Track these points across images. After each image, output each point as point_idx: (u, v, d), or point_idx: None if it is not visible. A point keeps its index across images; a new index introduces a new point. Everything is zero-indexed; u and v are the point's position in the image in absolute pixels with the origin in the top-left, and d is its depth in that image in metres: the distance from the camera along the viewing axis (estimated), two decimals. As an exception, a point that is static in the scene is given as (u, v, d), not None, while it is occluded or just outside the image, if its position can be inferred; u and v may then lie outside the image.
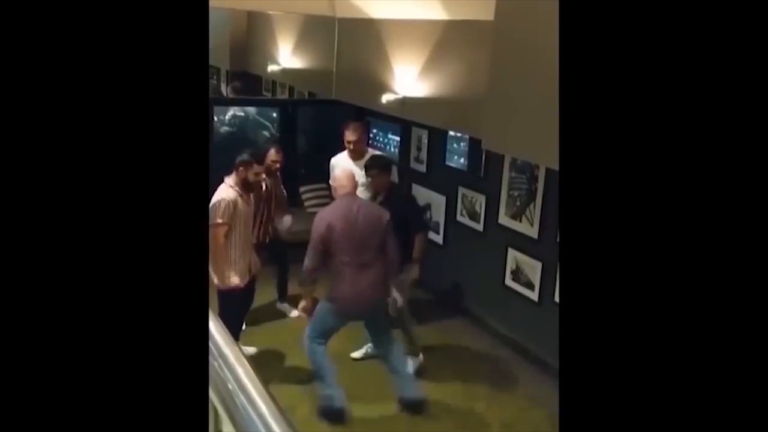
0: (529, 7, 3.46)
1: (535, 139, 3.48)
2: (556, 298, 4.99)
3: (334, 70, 6.65)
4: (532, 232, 5.21)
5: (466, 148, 5.89)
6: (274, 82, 8.94)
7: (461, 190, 5.99)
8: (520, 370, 5.16)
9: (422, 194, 6.42)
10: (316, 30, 7.09)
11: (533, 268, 5.25)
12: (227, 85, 9.40)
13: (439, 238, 6.34)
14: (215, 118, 7.28)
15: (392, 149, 6.89)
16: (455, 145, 6.04)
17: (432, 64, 5.21)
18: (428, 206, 6.41)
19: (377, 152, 5.52)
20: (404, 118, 5.99)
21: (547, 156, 3.32)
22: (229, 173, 4.54)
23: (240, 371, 1.23)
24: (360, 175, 5.20)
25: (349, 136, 5.27)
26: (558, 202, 3.40)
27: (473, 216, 5.90)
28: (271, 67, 8.09)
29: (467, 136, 5.74)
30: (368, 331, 4.58)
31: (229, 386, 1.21)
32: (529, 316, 5.30)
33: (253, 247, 4.83)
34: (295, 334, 5.14)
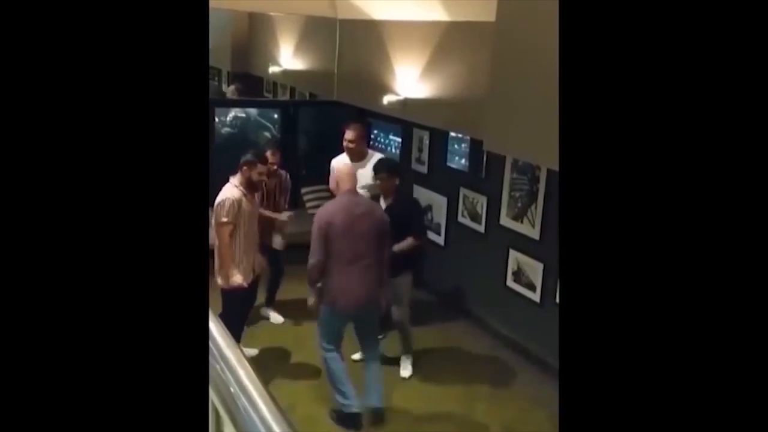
0: (530, 8, 3.46)
1: (537, 140, 3.48)
2: (558, 300, 4.98)
3: (336, 71, 6.66)
4: (534, 233, 5.21)
5: (468, 149, 5.89)
6: (275, 83, 8.95)
7: (462, 191, 5.99)
8: (522, 371, 5.16)
9: (423, 195, 6.42)
10: (318, 31, 7.09)
11: (535, 270, 5.25)
12: (228, 86, 9.42)
13: (440, 240, 6.34)
14: (216, 119, 7.29)
15: (393, 150, 6.90)
16: (456, 146, 6.04)
17: (433, 66, 5.21)
18: (429, 207, 6.41)
19: (378, 153, 5.51)
20: (405, 119, 5.99)
21: (549, 157, 3.32)
22: (234, 173, 4.59)
23: (241, 373, 1.23)
24: (360, 177, 5.21)
25: (349, 135, 5.27)
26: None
27: (474, 217, 5.89)
28: (273, 69, 8.10)
29: (468, 137, 5.74)
30: (357, 334, 4.47)
31: (231, 389, 1.21)
32: (530, 317, 5.29)
33: (257, 247, 4.85)
34: (297, 332, 5.17)
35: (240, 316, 4.85)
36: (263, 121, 8.00)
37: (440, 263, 6.31)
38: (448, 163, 6.14)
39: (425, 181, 6.44)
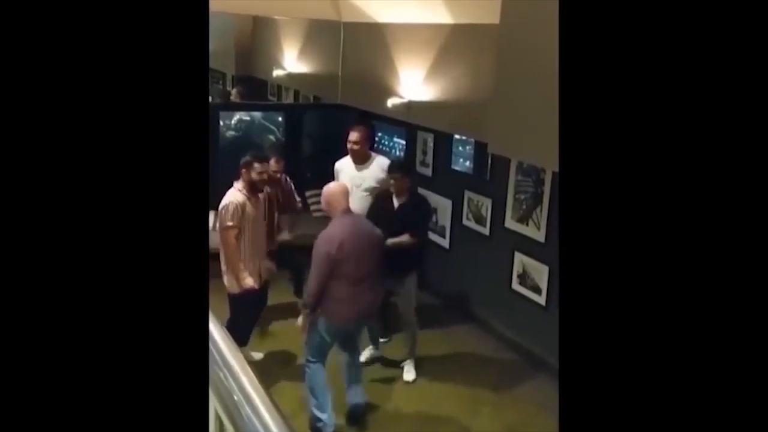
0: (534, 10, 3.45)
1: (541, 142, 3.46)
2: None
3: (340, 74, 6.66)
4: (539, 235, 5.19)
5: (472, 152, 5.87)
6: (279, 87, 8.96)
7: (467, 194, 5.98)
8: (527, 374, 5.14)
9: (428, 198, 6.41)
10: (322, 34, 7.10)
11: (540, 272, 5.23)
12: (233, 90, 9.43)
13: (445, 242, 6.33)
14: (221, 123, 7.30)
15: (398, 153, 6.89)
16: (461, 148, 6.03)
17: (437, 68, 5.20)
18: (434, 210, 6.40)
19: (380, 156, 5.51)
20: (410, 122, 5.99)
21: (553, 160, 3.30)
22: (236, 178, 4.59)
23: (245, 380, 1.23)
24: (362, 179, 5.21)
25: (353, 137, 5.26)
26: (564, 205, 3.39)
27: (479, 220, 5.88)
28: (277, 72, 8.11)
29: (473, 139, 5.73)
30: (341, 343, 4.39)
31: (234, 396, 1.20)
32: (536, 320, 5.27)
33: (265, 253, 4.84)
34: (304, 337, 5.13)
35: (248, 321, 4.85)
36: (268, 124, 8.00)
37: (445, 266, 6.30)
38: (453, 166, 6.12)
39: (430, 184, 6.43)
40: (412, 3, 5.25)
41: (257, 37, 9.09)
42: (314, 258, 3.99)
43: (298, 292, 5.84)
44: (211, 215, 4.74)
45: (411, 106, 5.49)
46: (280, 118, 7.77)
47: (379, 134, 7.15)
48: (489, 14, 4.02)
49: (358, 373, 4.46)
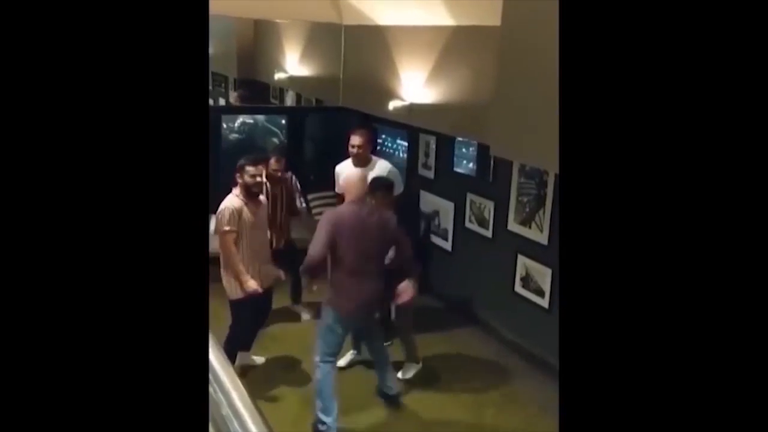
0: (535, 12, 3.44)
1: (543, 144, 3.45)
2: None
3: (341, 77, 6.66)
4: (542, 238, 5.17)
5: (475, 154, 5.86)
6: (281, 90, 8.96)
7: (470, 197, 5.96)
8: (530, 377, 5.12)
9: (430, 201, 6.40)
10: (323, 37, 7.10)
11: (543, 275, 5.21)
12: (235, 92, 9.44)
13: (447, 245, 6.31)
14: (224, 126, 7.30)
15: (401, 155, 6.88)
16: (463, 150, 6.02)
17: (439, 70, 5.20)
18: (437, 213, 6.39)
19: (382, 160, 5.49)
20: (411, 125, 5.98)
21: (554, 162, 3.30)
22: (234, 182, 4.58)
23: (234, 396, 1.21)
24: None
25: (355, 141, 5.25)
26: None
27: (482, 222, 5.87)
28: (278, 75, 8.11)
29: (475, 141, 5.72)
30: (366, 343, 4.52)
31: (223, 411, 1.19)
32: (539, 323, 5.26)
33: (269, 259, 4.82)
34: (307, 340, 5.13)
35: (251, 327, 4.83)
36: (271, 126, 8.01)
37: (447, 269, 6.29)
38: (455, 168, 6.11)
39: (432, 187, 6.42)
40: (413, 5, 5.25)
41: (259, 40, 9.11)
42: (318, 227, 4.13)
43: (295, 296, 5.82)
44: (212, 219, 4.74)
45: (412, 109, 5.48)
46: (282, 121, 7.77)
47: (383, 136, 7.15)
48: (490, 16, 4.02)
49: (385, 359, 4.55)
